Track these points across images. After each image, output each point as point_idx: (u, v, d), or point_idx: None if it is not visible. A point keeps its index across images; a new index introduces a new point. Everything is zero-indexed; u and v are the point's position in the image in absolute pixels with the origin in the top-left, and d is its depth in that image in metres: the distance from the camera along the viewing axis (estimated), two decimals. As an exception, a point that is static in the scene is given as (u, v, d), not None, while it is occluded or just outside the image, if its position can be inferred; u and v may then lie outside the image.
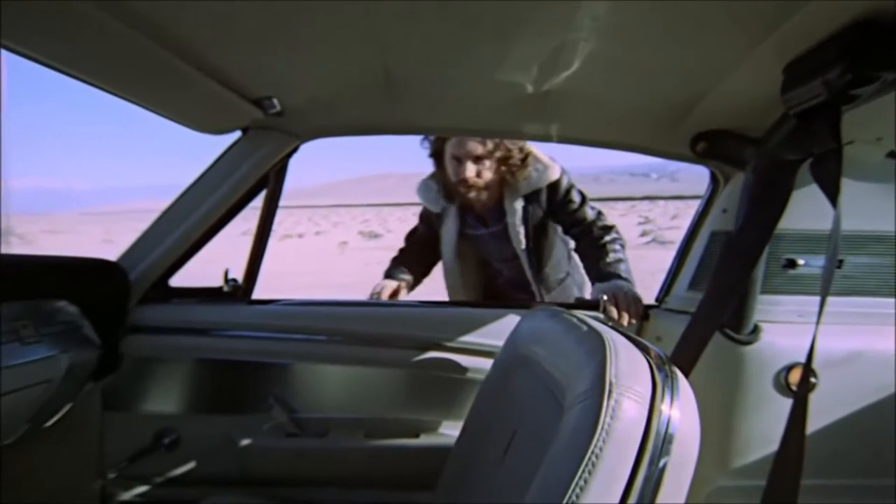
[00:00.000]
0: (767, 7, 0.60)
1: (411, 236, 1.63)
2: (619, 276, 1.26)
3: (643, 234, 19.20)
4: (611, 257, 1.30)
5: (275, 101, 0.94)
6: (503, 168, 1.37)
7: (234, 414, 1.17)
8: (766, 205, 0.79)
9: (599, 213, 1.38)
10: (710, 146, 1.01)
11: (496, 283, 1.63)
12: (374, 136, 1.14)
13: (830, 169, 0.68)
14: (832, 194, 0.67)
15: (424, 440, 1.14)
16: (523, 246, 1.43)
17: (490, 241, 1.51)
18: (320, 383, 1.20)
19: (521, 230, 1.42)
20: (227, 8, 0.64)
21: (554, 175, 1.38)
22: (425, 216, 1.59)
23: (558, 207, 1.40)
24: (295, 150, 1.14)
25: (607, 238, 1.33)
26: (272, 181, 1.16)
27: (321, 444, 1.13)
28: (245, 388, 1.20)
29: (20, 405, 0.90)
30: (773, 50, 0.68)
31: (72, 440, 1.13)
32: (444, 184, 1.47)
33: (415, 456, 1.13)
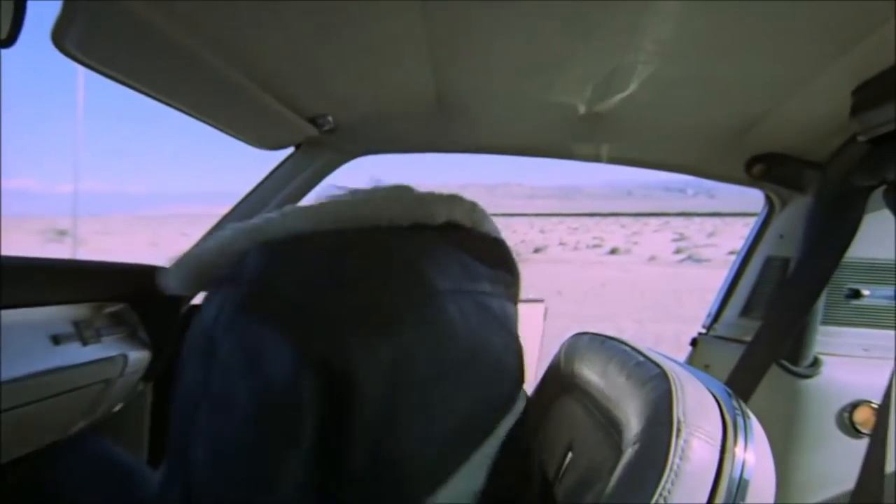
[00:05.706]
0: (840, 26, 0.58)
1: None
2: None
3: (677, 251, 18.54)
4: None
5: (329, 118, 0.97)
6: None
7: None
8: (833, 232, 0.75)
9: None
10: (767, 169, 0.98)
11: None
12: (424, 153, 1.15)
13: None
14: None
15: None
16: None
17: None
18: None
19: None
20: (288, 28, 0.66)
21: None
22: None
23: None
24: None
25: None
26: None
27: None
28: None
29: (80, 403, 0.95)
30: (844, 71, 0.65)
31: (120, 440, 1.17)
32: None
33: None
